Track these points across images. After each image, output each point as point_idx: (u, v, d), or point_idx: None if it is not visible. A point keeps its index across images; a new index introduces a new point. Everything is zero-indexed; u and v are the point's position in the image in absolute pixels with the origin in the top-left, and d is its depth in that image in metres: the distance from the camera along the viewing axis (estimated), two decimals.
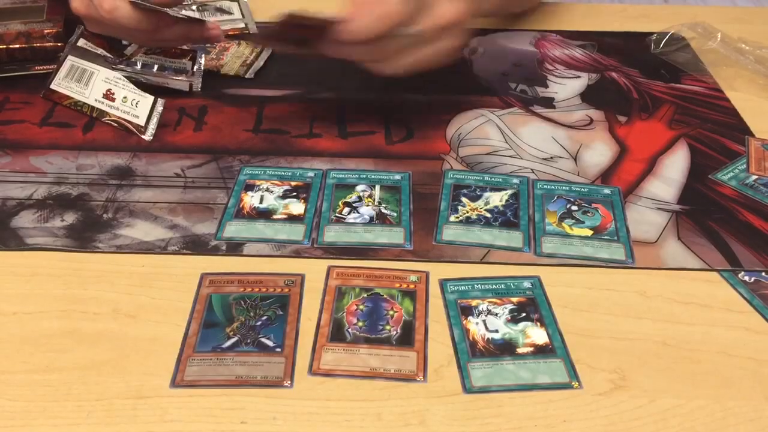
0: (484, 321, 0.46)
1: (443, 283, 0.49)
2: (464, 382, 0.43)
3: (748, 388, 0.43)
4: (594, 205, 0.57)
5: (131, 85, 0.66)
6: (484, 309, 0.47)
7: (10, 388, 0.42)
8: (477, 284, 0.49)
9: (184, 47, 0.72)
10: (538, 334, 0.46)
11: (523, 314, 0.47)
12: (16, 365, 0.43)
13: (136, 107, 0.65)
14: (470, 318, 0.47)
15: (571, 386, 0.43)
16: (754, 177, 0.60)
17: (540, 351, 0.45)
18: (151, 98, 0.65)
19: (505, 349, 0.45)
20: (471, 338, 0.45)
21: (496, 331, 0.46)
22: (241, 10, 0.82)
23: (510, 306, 0.47)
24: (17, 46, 0.70)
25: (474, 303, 0.48)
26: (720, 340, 0.46)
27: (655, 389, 0.43)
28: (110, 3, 0.60)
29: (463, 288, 0.49)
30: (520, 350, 0.45)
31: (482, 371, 0.43)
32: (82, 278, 0.49)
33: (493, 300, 0.48)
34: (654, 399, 0.42)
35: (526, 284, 0.49)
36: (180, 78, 0.69)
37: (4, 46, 0.69)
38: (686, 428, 0.41)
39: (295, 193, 0.57)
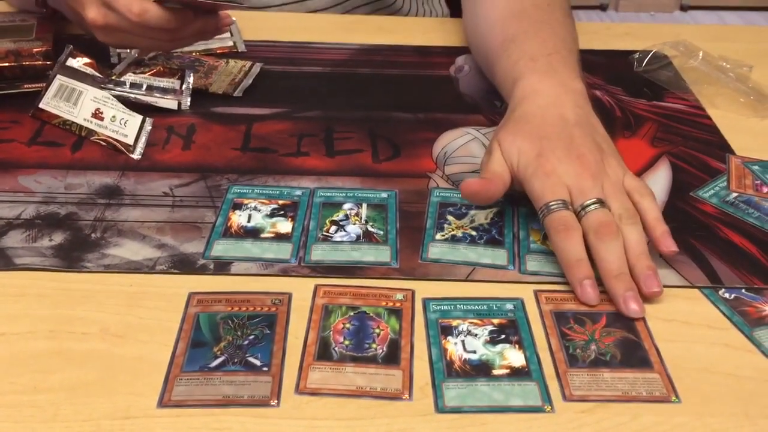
0: (462, 341, 0.47)
1: (426, 302, 0.50)
2: (437, 402, 0.43)
3: (729, 405, 0.44)
4: None
5: (120, 105, 0.66)
6: (464, 329, 0.48)
7: None
8: (459, 304, 0.50)
9: (173, 66, 0.73)
10: (515, 357, 0.46)
11: (503, 336, 0.48)
12: (3, 386, 0.43)
13: (124, 126, 0.65)
14: (449, 338, 0.47)
15: (543, 410, 0.43)
16: (735, 194, 0.61)
17: (515, 373, 0.45)
18: (140, 117, 0.66)
19: (480, 370, 0.45)
20: (448, 358, 0.46)
21: (474, 352, 0.46)
22: (229, 29, 0.83)
23: (490, 327, 0.48)
24: (6, 64, 0.70)
25: (455, 323, 0.48)
26: (701, 357, 0.47)
27: (637, 407, 0.44)
28: (139, 6, 0.62)
29: (445, 307, 0.49)
30: (495, 372, 0.45)
31: (456, 391, 0.44)
32: (70, 298, 0.50)
33: (474, 321, 0.49)
34: (636, 416, 0.43)
35: (509, 306, 0.50)
36: (168, 97, 0.69)
37: None
38: None
39: (282, 212, 0.58)
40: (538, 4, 0.69)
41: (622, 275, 0.50)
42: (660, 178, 0.63)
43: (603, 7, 2.62)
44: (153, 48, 0.71)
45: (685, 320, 0.50)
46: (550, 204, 0.52)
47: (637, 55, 0.80)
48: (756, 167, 0.64)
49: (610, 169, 0.55)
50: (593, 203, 0.52)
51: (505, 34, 0.68)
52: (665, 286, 0.52)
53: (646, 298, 0.50)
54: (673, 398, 0.44)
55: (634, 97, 0.75)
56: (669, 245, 0.52)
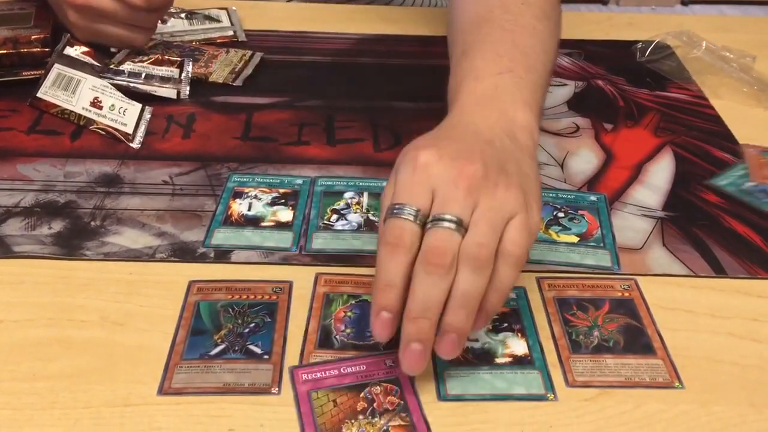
0: None
1: None
2: (439, 390, 0.43)
3: (733, 394, 0.44)
4: (580, 212, 0.57)
5: (119, 93, 0.66)
6: None
7: None
8: None
9: (172, 55, 0.72)
10: (517, 345, 0.46)
11: (505, 324, 0.47)
12: (2, 373, 0.43)
13: (123, 115, 0.65)
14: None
15: (546, 398, 0.43)
16: (754, 184, 0.60)
17: (518, 362, 0.45)
18: (139, 106, 0.65)
19: (483, 358, 0.45)
20: None
21: (477, 340, 0.46)
22: (230, 18, 0.82)
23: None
24: (4, 51, 0.69)
25: None
26: (704, 346, 0.47)
27: (640, 394, 0.43)
28: None
29: None
30: (498, 360, 0.45)
31: (458, 380, 0.43)
32: (69, 286, 0.49)
33: None
34: (639, 404, 0.43)
35: (511, 294, 0.49)
36: (167, 86, 0.69)
37: None
38: None
39: (283, 201, 0.57)
40: (507, 7, 0.58)
41: (422, 321, 0.40)
42: (663, 168, 0.63)
43: (604, 1, 2.61)
44: (121, 39, 0.70)
45: (688, 309, 0.49)
46: (395, 207, 0.41)
47: (640, 45, 0.80)
48: None
49: (501, 195, 0.42)
50: (447, 219, 0.40)
51: (463, 45, 0.58)
52: (667, 275, 0.52)
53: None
54: (677, 384, 0.44)
55: (637, 87, 0.74)
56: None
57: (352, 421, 0.40)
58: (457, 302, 0.40)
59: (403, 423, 0.40)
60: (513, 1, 0.59)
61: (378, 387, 0.42)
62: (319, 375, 0.43)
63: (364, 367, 0.41)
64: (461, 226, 0.40)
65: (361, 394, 0.41)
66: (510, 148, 0.46)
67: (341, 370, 0.43)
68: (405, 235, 0.40)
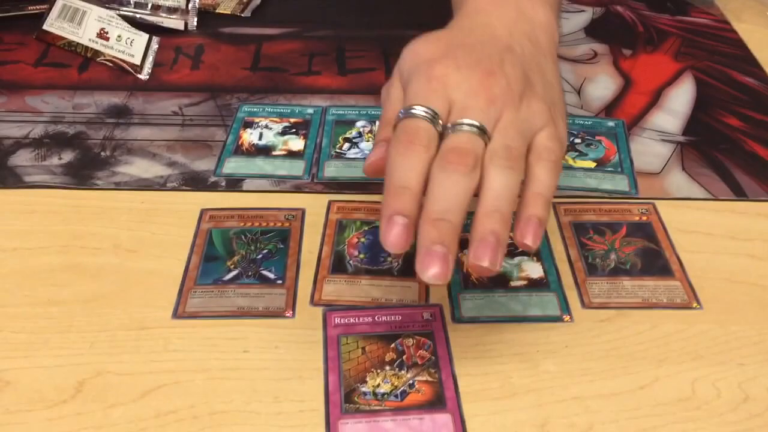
0: None
1: None
2: (454, 312, 0.43)
3: (753, 314, 0.43)
4: (597, 138, 0.56)
5: (125, 24, 0.64)
6: None
7: (12, 321, 0.42)
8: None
9: None
10: (533, 268, 0.45)
11: (520, 249, 0.46)
12: (18, 299, 0.43)
13: (131, 46, 0.63)
14: (465, 250, 0.46)
15: (561, 319, 0.42)
16: None
17: (534, 285, 0.44)
18: (146, 36, 0.64)
19: (498, 281, 0.44)
20: (465, 270, 0.45)
21: None
22: None
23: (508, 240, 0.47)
24: None
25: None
26: (724, 267, 0.46)
27: (657, 315, 0.43)
28: None
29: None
30: (513, 283, 0.44)
31: (473, 302, 0.43)
32: (81, 214, 0.49)
33: None
34: (656, 324, 0.42)
35: None
36: (174, 16, 0.67)
37: None
38: (688, 351, 0.41)
39: (294, 130, 0.57)
40: None
41: (443, 223, 0.34)
42: (684, 93, 0.61)
43: None
44: None
45: (708, 232, 0.48)
46: (411, 108, 0.37)
47: None
48: None
49: (526, 108, 0.38)
50: (467, 124, 0.36)
51: None
52: (686, 199, 0.51)
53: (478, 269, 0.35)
54: (695, 305, 0.43)
55: (658, 13, 0.72)
56: (526, 235, 0.36)
57: (378, 371, 0.39)
58: (489, 204, 0.35)
59: (430, 379, 0.38)
60: None
61: (411, 339, 0.41)
62: (352, 320, 0.42)
63: (400, 318, 0.39)
64: (484, 133, 0.36)
65: (392, 345, 0.40)
66: (532, 53, 0.42)
67: (375, 318, 0.42)
68: (421, 133, 0.36)
